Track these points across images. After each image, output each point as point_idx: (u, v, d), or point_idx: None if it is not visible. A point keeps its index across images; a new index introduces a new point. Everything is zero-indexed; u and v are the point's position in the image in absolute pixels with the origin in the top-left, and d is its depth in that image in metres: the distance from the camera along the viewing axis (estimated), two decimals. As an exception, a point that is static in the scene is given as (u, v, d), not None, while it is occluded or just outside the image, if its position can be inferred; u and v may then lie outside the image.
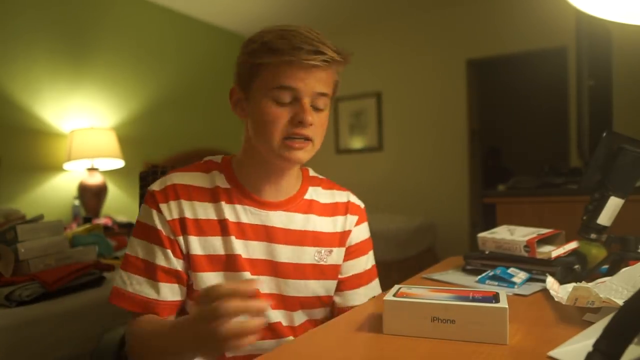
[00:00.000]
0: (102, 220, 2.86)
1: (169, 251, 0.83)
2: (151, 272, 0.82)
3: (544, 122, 5.18)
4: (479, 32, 4.04)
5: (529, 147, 5.37)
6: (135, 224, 0.87)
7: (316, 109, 0.83)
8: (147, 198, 0.86)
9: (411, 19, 4.35)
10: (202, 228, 0.84)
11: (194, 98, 4.04)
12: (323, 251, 0.92)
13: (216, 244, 0.85)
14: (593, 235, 0.96)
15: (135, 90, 3.61)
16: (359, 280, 0.99)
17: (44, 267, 1.53)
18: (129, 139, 3.44)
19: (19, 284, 1.43)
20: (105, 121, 3.38)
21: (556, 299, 0.75)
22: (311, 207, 0.93)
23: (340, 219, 0.96)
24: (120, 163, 3.20)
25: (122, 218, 3.09)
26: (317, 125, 0.83)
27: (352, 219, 0.98)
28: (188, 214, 0.84)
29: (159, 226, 0.83)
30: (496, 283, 0.93)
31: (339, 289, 0.97)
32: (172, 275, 0.83)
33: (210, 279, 0.84)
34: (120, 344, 1.03)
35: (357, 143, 4.67)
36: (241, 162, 0.90)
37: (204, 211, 0.85)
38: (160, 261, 0.83)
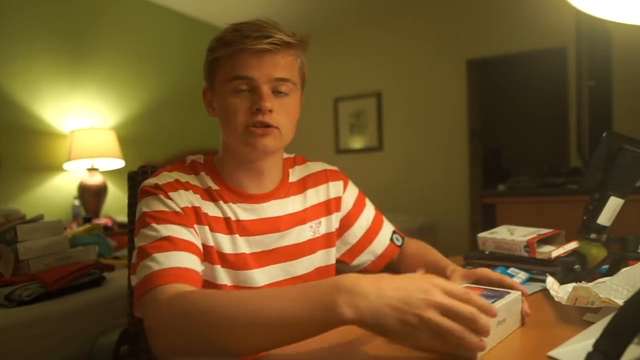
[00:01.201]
0: (102, 220, 2.86)
1: (192, 230, 0.77)
2: (177, 245, 0.73)
3: (544, 123, 5.18)
4: (478, 32, 4.04)
5: (529, 147, 5.37)
6: (137, 219, 0.78)
7: (278, 94, 0.82)
8: (148, 190, 0.80)
9: (411, 19, 4.35)
10: (211, 223, 0.82)
11: (194, 98, 4.01)
12: (314, 224, 0.94)
13: (223, 242, 0.83)
14: (593, 235, 0.96)
15: (136, 90, 3.61)
16: (372, 232, 1.03)
17: (44, 267, 1.53)
18: (129, 139, 3.44)
19: (19, 284, 1.43)
20: (105, 121, 3.38)
21: (556, 299, 0.75)
22: (293, 189, 0.94)
23: (321, 188, 0.97)
24: (120, 163, 3.20)
25: (122, 218, 3.09)
26: (280, 111, 0.82)
27: (337, 185, 1.00)
28: (197, 205, 0.81)
29: (176, 208, 0.78)
30: (496, 283, 0.93)
31: (361, 249, 1.02)
32: (199, 253, 0.76)
33: (220, 273, 0.82)
34: (117, 346, 1.02)
35: (357, 143, 4.67)
36: (222, 162, 0.89)
37: (208, 208, 0.83)
38: (186, 236, 0.75)
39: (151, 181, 0.81)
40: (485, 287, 0.71)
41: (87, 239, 1.89)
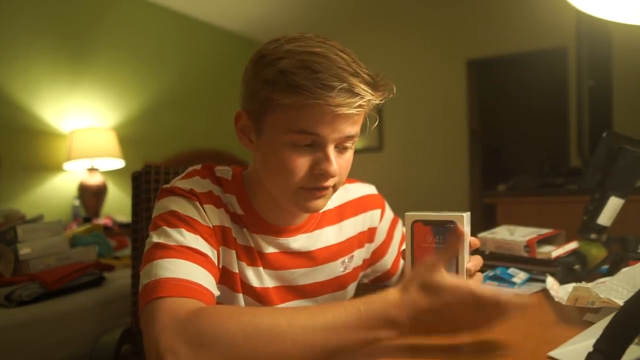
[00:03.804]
0: (102, 221, 2.86)
1: (216, 253, 0.71)
2: (205, 263, 0.66)
3: (544, 122, 5.18)
4: (479, 32, 4.04)
5: (529, 147, 5.37)
6: (161, 214, 0.69)
7: (341, 150, 0.70)
8: (181, 193, 0.71)
9: (411, 20, 4.35)
10: (238, 250, 0.75)
11: (194, 98, 4.04)
12: (347, 259, 0.86)
13: (248, 273, 0.76)
14: (593, 236, 0.96)
15: (135, 90, 3.61)
16: (399, 255, 0.97)
17: (44, 267, 1.53)
18: (129, 139, 3.44)
19: (19, 284, 1.43)
20: (105, 121, 3.38)
21: (556, 299, 0.75)
22: (327, 219, 0.85)
23: (359, 218, 0.89)
24: (120, 163, 3.20)
25: (122, 218, 3.09)
26: (341, 168, 0.70)
27: (374, 214, 0.91)
28: (228, 226, 0.74)
29: (209, 224, 0.71)
30: (496, 283, 0.93)
31: (392, 275, 0.97)
32: (217, 274, 0.70)
33: (240, 301, 0.75)
34: (118, 345, 1.02)
35: (357, 143, 4.65)
36: (253, 188, 0.77)
37: (237, 233, 0.75)
38: (212, 257, 0.69)
39: (185, 185, 0.72)
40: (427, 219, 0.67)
41: (87, 239, 1.89)
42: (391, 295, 0.57)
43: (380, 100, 0.68)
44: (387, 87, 0.68)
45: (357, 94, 0.63)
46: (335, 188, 0.72)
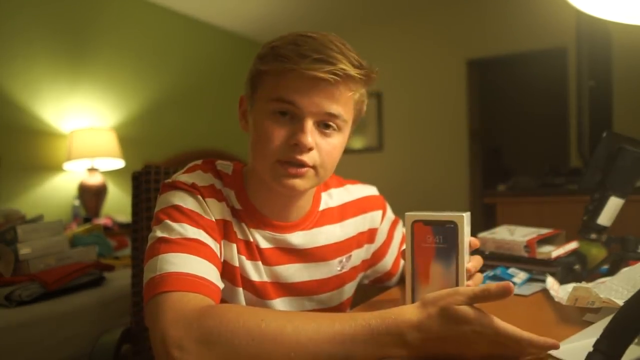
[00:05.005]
0: (102, 221, 2.86)
1: (219, 246, 0.72)
2: (208, 255, 0.67)
3: (544, 123, 5.18)
4: (479, 32, 4.04)
5: (529, 147, 5.37)
6: (163, 209, 0.70)
7: (324, 129, 0.71)
8: (183, 188, 0.72)
9: (411, 20, 4.34)
10: (238, 244, 0.76)
11: (194, 98, 4.03)
12: (344, 259, 0.87)
13: (248, 267, 0.76)
14: (593, 236, 0.96)
15: (136, 90, 3.61)
16: (399, 255, 0.97)
17: (44, 267, 1.54)
18: (129, 139, 3.44)
19: (19, 284, 1.43)
20: (105, 121, 3.38)
21: (556, 299, 0.75)
22: (327, 217, 0.85)
23: (359, 219, 0.89)
24: (120, 163, 3.20)
25: (122, 218, 3.09)
26: (322, 150, 0.71)
27: (375, 215, 0.92)
28: (229, 219, 0.75)
29: (212, 217, 0.72)
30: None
31: (392, 275, 0.97)
32: (220, 267, 0.71)
33: (240, 296, 0.76)
34: (118, 345, 1.02)
35: (357, 143, 4.67)
36: (250, 181, 0.79)
37: (237, 227, 0.76)
38: (216, 250, 0.70)
39: (187, 179, 0.73)
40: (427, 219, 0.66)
41: (87, 239, 1.89)
42: (407, 314, 0.55)
43: (360, 77, 0.70)
44: (368, 67, 0.72)
45: (332, 62, 0.66)
46: (316, 171, 0.72)
